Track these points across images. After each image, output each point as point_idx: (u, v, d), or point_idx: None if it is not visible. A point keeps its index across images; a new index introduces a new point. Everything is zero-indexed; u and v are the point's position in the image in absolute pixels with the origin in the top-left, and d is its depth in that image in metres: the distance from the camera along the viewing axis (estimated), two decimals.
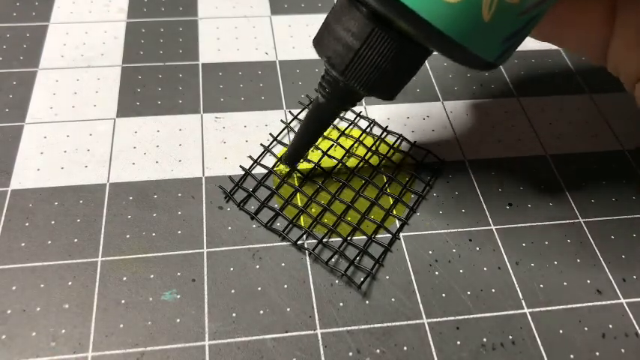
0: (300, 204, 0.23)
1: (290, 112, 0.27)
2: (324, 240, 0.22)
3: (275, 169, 0.24)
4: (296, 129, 0.26)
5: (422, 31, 0.16)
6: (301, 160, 0.24)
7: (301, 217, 0.23)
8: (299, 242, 0.22)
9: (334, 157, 0.25)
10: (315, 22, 0.31)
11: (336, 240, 0.22)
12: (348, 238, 0.22)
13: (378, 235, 0.23)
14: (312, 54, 0.29)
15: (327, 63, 0.19)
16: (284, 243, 0.22)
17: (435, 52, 0.19)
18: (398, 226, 0.23)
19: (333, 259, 0.22)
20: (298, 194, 0.24)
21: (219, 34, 0.30)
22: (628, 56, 0.20)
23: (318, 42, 0.19)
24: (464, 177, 0.25)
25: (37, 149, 0.24)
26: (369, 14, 0.18)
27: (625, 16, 0.19)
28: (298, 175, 0.24)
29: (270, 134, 0.26)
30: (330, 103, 0.21)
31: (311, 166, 0.25)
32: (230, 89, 0.27)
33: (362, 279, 0.21)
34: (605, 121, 0.28)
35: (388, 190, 0.24)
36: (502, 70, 0.30)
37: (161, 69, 0.28)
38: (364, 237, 0.22)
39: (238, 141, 0.25)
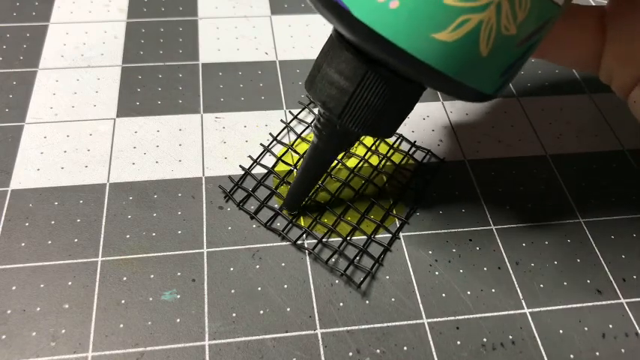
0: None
1: (290, 112, 0.27)
2: (324, 239, 0.22)
3: (275, 168, 0.24)
4: (296, 129, 0.26)
5: (419, 72, 0.16)
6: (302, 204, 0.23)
7: (301, 217, 0.23)
8: (299, 242, 0.22)
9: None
10: (315, 22, 0.31)
11: (335, 240, 0.22)
12: (348, 238, 0.22)
13: (378, 235, 0.23)
14: (312, 54, 0.29)
15: (323, 107, 0.18)
16: (284, 243, 0.22)
17: None
18: (398, 225, 0.23)
19: (332, 259, 0.22)
20: None
21: (219, 34, 0.30)
22: (619, 69, 0.21)
23: (311, 85, 0.19)
24: (464, 177, 0.25)
25: (37, 149, 0.24)
26: (361, 54, 0.17)
27: (613, 33, 0.20)
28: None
29: (270, 134, 0.26)
30: (327, 146, 0.20)
31: None
32: (230, 89, 0.27)
33: (361, 278, 0.21)
34: (605, 121, 0.28)
35: (388, 190, 0.24)
36: None
37: (161, 69, 0.28)
38: (364, 237, 0.22)
39: (238, 141, 0.25)
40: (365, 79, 0.17)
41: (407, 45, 0.15)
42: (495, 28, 0.15)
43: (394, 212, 0.23)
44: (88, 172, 0.24)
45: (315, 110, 0.27)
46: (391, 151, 0.25)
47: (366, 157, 0.25)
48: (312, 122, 0.26)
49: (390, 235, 0.23)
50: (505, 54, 0.16)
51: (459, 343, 0.20)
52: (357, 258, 0.22)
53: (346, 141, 0.20)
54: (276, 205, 0.23)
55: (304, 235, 0.22)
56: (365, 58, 0.17)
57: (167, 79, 0.28)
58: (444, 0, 0.15)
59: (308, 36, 0.30)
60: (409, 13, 0.15)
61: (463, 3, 0.15)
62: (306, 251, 0.22)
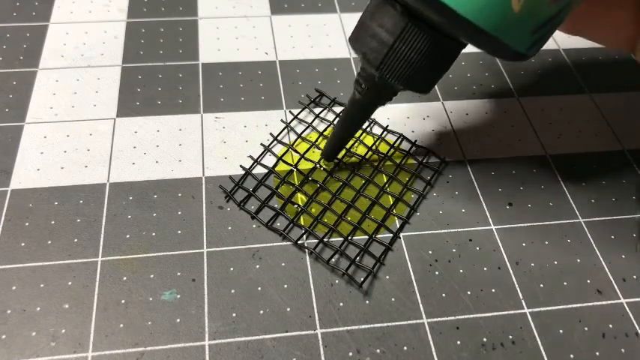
0: (300, 203, 0.23)
1: (290, 112, 0.27)
2: (325, 239, 0.22)
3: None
4: (296, 128, 0.26)
5: (453, 23, 0.17)
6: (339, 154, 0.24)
7: (302, 217, 0.23)
8: (300, 242, 0.22)
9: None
10: (315, 22, 0.31)
11: (336, 239, 0.22)
12: (349, 238, 0.22)
13: (379, 235, 0.23)
14: (312, 54, 0.29)
15: (363, 59, 0.20)
16: (284, 243, 0.22)
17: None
18: (399, 225, 0.23)
19: (333, 259, 0.22)
20: (299, 194, 0.24)
21: (219, 34, 0.30)
22: None
23: (354, 39, 0.20)
24: (464, 177, 0.25)
25: (37, 149, 0.24)
26: (402, 10, 0.18)
27: None
28: (299, 174, 0.24)
29: (271, 134, 0.26)
30: (366, 99, 0.21)
31: (311, 165, 0.25)
32: (230, 89, 0.27)
33: (363, 278, 0.21)
34: (605, 121, 0.28)
35: (389, 189, 0.24)
36: (502, 70, 0.30)
37: (161, 69, 0.28)
38: (365, 236, 0.22)
39: (238, 141, 0.25)
40: (404, 32, 0.18)
41: None
42: None
43: (395, 212, 0.23)
44: (88, 172, 0.24)
45: (316, 110, 0.27)
46: (392, 150, 0.25)
47: (367, 157, 0.25)
48: (312, 121, 0.26)
49: (391, 235, 0.23)
50: (537, 11, 0.17)
51: (459, 343, 0.20)
52: (359, 257, 0.22)
53: (384, 95, 0.21)
54: (276, 205, 0.23)
55: (305, 235, 0.22)
56: (406, 13, 0.18)
57: (167, 79, 0.28)
58: None
59: (308, 36, 0.30)
60: None
61: None
62: (307, 251, 0.22)
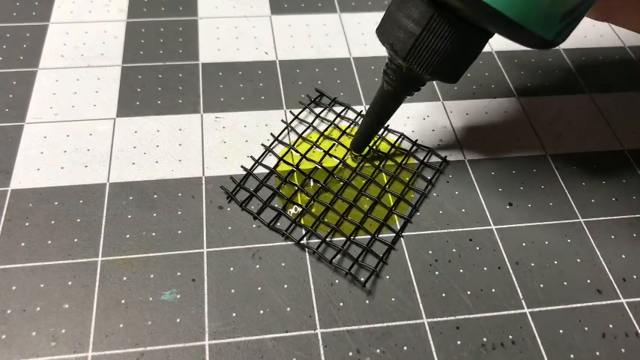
0: (302, 203, 0.23)
1: (291, 111, 0.27)
2: (328, 239, 0.22)
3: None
4: (297, 129, 0.26)
5: (480, 13, 0.17)
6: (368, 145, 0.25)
7: (303, 217, 0.23)
8: (302, 242, 0.22)
9: (336, 157, 0.25)
10: (315, 22, 0.31)
11: (339, 239, 0.22)
12: (352, 237, 0.22)
13: (381, 234, 0.23)
14: (312, 54, 0.29)
15: (390, 49, 0.20)
16: (284, 243, 0.22)
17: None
18: (401, 224, 0.23)
19: (336, 258, 0.22)
20: (300, 194, 0.24)
21: (219, 34, 0.30)
22: None
23: (381, 30, 0.20)
24: (464, 177, 0.25)
25: (37, 149, 0.24)
26: (429, 1, 0.18)
27: None
28: (300, 174, 0.24)
29: (272, 134, 0.26)
30: (395, 90, 0.22)
31: (313, 165, 0.25)
32: (230, 89, 0.27)
33: (366, 277, 0.21)
34: (605, 121, 0.28)
35: (390, 189, 0.24)
36: (502, 69, 0.30)
37: (161, 69, 0.28)
38: (367, 236, 0.22)
39: (238, 141, 0.25)
40: (431, 21, 0.19)
41: None
42: None
43: (397, 211, 0.23)
44: (88, 172, 0.24)
45: (317, 110, 0.27)
46: (393, 150, 0.25)
47: (368, 156, 0.25)
48: (313, 121, 0.26)
49: (393, 235, 0.23)
50: None
51: (459, 343, 0.20)
52: (361, 257, 0.22)
53: (412, 85, 0.21)
54: (276, 205, 0.23)
55: (308, 235, 0.22)
56: (432, 3, 0.18)
57: (167, 79, 0.28)
58: None
59: (308, 36, 0.30)
60: None
61: None
62: (306, 251, 0.22)
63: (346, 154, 0.25)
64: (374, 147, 0.25)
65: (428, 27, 0.19)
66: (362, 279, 0.21)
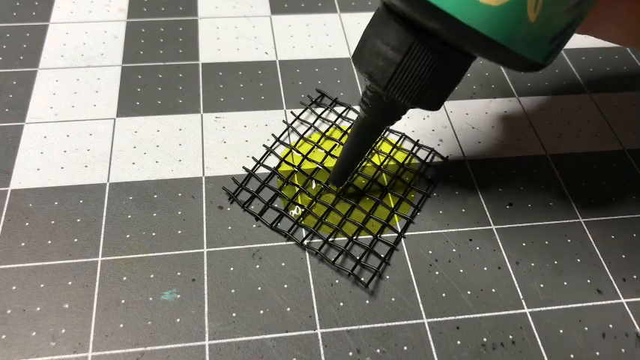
0: (304, 204, 0.23)
1: (292, 112, 0.27)
2: (330, 239, 0.22)
3: (279, 169, 0.24)
4: (298, 129, 0.26)
5: (467, 38, 0.16)
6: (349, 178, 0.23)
7: (306, 217, 0.23)
8: (304, 242, 0.22)
9: (337, 157, 0.25)
10: (315, 22, 0.31)
11: (341, 239, 0.22)
12: (354, 238, 0.22)
13: (383, 235, 0.23)
14: (312, 54, 0.29)
15: (369, 79, 0.18)
16: (284, 243, 0.22)
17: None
18: (403, 224, 0.23)
19: (339, 259, 0.22)
20: (302, 194, 0.24)
21: (219, 34, 0.30)
22: None
23: (358, 58, 0.19)
24: (464, 177, 0.25)
25: (37, 149, 0.24)
26: (408, 25, 0.17)
27: None
28: (302, 175, 0.24)
29: (273, 135, 0.26)
30: (374, 119, 0.20)
31: (314, 166, 0.25)
32: (230, 89, 0.27)
33: (369, 278, 0.21)
34: (605, 121, 0.28)
35: (392, 189, 0.24)
36: (502, 69, 0.30)
37: (161, 69, 0.28)
38: (369, 236, 0.22)
39: (238, 141, 0.25)
40: (412, 49, 0.17)
41: (453, 9, 0.15)
42: None
43: (399, 211, 0.23)
44: (88, 172, 0.24)
45: (318, 110, 0.27)
46: (394, 150, 0.25)
47: (369, 157, 0.25)
48: (314, 122, 0.26)
49: (395, 235, 0.23)
50: (553, 20, 0.16)
51: (459, 343, 0.20)
52: (364, 257, 0.22)
53: (393, 114, 0.20)
54: (277, 205, 0.23)
55: (310, 236, 0.22)
56: (412, 28, 0.17)
57: (167, 79, 0.28)
58: None
59: (308, 36, 0.30)
60: None
61: None
62: (307, 250, 0.22)
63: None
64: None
65: (409, 54, 0.17)
66: (366, 279, 0.21)
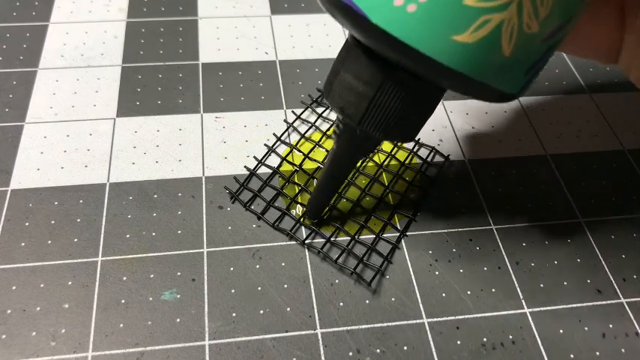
0: (306, 203, 0.23)
1: (293, 111, 0.27)
2: (332, 239, 0.22)
3: (280, 170, 0.24)
4: (299, 128, 0.26)
5: (441, 75, 0.15)
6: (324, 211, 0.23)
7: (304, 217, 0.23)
8: (307, 241, 0.22)
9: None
10: (315, 22, 0.31)
11: (343, 239, 0.22)
12: (356, 236, 0.22)
13: (385, 234, 0.23)
14: (312, 54, 0.29)
15: (341, 113, 0.18)
16: (284, 242, 0.22)
17: None
18: (405, 224, 0.23)
19: (341, 258, 0.22)
20: (304, 194, 0.24)
21: (219, 34, 0.30)
22: (638, 59, 0.20)
23: (329, 92, 0.18)
24: (464, 177, 0.25)
25: (37, 149, 0.24)
26: (380, 59, 0.17)
27: (632, 21, 0.20)
28: (303, 174, 0.24)
29: (274, 134, 0.26)
30: (348, 151, 0.20)
31: (316, 165, 0.25)
32: (230, 89, 0.27)
33: (371, 277, 0.21)
34: (605, 121, 0.28)
35: (394, 188, 0.24)
36: None
37: (161, 69, 0.28)
38: (371, 235, 0.22)
39: (238, 141, 0.25)
40: (384, 84, 0.17)
41: (427, 49, 0.15)
42: (517, 27, 0.15)
43: (401, 210, 0.23)
44: (88, 172, 0.24)
45: (318, 110, 0.27)
46: (395, 149, 0.25)
47: (370, 155, 0.25)
48: (315, 121, 0.26)
49: (397, 234, 0.23)
50: (528, 52, 0.16)
51: (459, 342, 0.20)
52: (366, 256, 0.22)
53: (366, 146, 0.20)
54: (277, 204, 0.23)
55: (312, 235, 0.22)
56: (383, 62, 0.17)
57: (167, 79, 0.28)
58: (463, 1, 0.14)
59: (308, 36, 0.30)
60: (428, 17, 0.14)
61: (483, 3, 0.14)
62: (307, 250, 0.22)
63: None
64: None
65: (381, 89, 0.17)
66: (368, 277, 0.21)
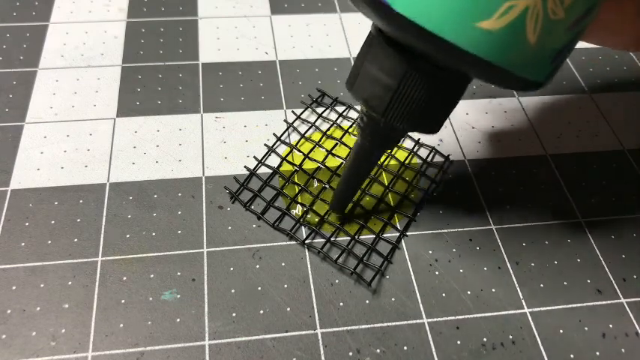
0: (306, 203, 0.23)
1: (293, 111, 0.27)
2: (332, 239, 0.22)
3: (281, 169, 0.24)
4: (299, 128, 0.26)
5: (466, 63, 0.15)
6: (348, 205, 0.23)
7: (307, 216, 0.23)
8: (307, 241, 0.22)
9: (339, 156, 0.25)
10: (315, 22, 0.31)
11: (343, 239, 0.22)
12: (356, 236, 0.22)
13: (385, 234, 0.23)
14: (312, 54, 0.29)
15: (365, 105, 0.18)
16: (284, 242, 0.22)
17: None
18: (405, 223, 0.23)
19: (341, 258, 0.22)
20: (304, 194, 0.24)
21: (219, 34, 0.30)
22: None
23: (352, 84, 0.18)
24: (464, 177, 0.25)
25: (37, 149, 0.24)
26: (403, 49, 0.17)
27: None
28: (303, 174, 0.24)
29: (274, 134, 0.26)
30: (372, 145, 0.20)
31: (316, 165, 0.25)
32: (230, 89, 0.27)
33: (371, 277, 0.21)
34: (605, 121, 0.28)
35: (394, 188, 0.24)
36: None
37: (161, 69, 0.28)
38: (370, 235, 0.22)
39: (238, 141, 0.25)
40: (408, 74, 0.17)
41: (452, 36, 0.15)
42: (542, 14, 0.15)
43: (401, 210, 0.23)
44: (88, 172, 0.24)
45: (318, 110, 0.27)
46: (395, 149, 0.25)
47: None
48: (315, 121, 0.26)
49: (397, 234, 0.23)
50: (554, 39, 0.15)
51: (459, 343, 0.20)
52: (366, 256, 0.22)
53: (391, 138, 0.20)
54: (277, 204, 0.23)
55: (312, 235, 0.22)
56: (407, 53, 0.17)
57: (167, 79, 0.28)
58: None
59: (308, 36, 0.30)
60: (452, 3, 0.14)
61: None
62: (307, 250, 0.22)
63: (349, 153, 0.25)
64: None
65: (405, 79, 0.17)
66: (368, 277, 0.21)
